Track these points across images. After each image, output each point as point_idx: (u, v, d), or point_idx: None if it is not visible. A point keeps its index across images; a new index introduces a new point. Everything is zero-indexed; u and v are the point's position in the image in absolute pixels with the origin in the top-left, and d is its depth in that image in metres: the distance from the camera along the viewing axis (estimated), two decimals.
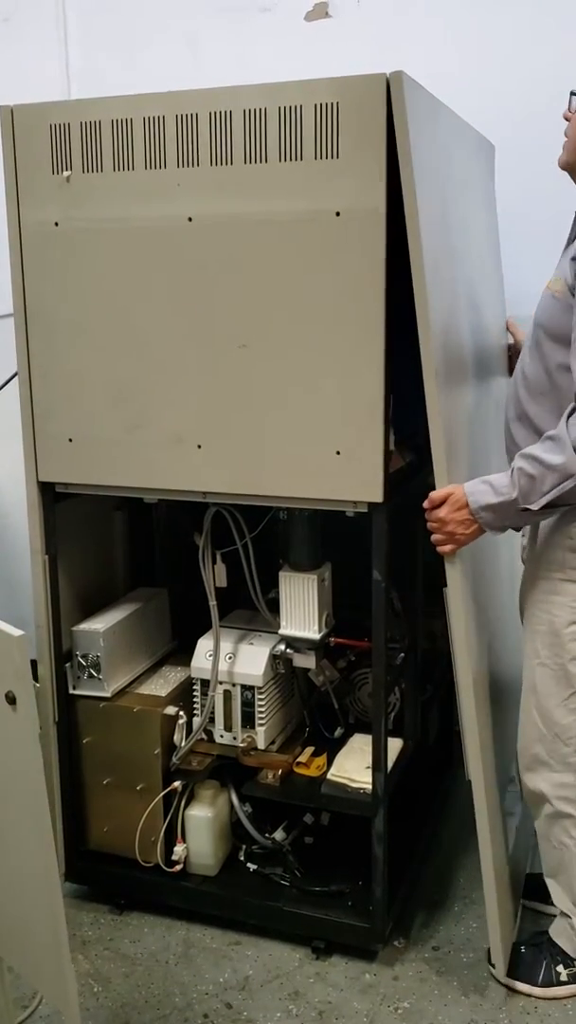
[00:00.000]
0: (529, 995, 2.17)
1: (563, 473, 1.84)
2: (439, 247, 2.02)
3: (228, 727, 2.37)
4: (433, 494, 1.99)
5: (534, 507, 1.88)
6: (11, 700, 1.50)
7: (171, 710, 2.36)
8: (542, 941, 2.24)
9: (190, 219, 2.00)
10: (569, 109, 2.08)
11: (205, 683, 2.36)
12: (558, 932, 2.22)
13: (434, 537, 2.01)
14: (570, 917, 2.18)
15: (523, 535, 2.20)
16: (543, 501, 1.87)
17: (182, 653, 2.57)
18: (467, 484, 1.96)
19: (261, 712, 2.33)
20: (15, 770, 1.58)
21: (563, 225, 2.16)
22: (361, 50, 3.02)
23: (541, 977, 2.18)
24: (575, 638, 2.05)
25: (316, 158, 1.89)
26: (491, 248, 2.71)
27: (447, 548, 2.00)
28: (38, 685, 1.61)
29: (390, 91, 1.79)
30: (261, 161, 1.92)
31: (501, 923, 2.16)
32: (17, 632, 1.49)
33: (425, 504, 2.01)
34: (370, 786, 2.19)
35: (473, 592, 2.18)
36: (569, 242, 2.08)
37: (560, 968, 2.19)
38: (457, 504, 1.96)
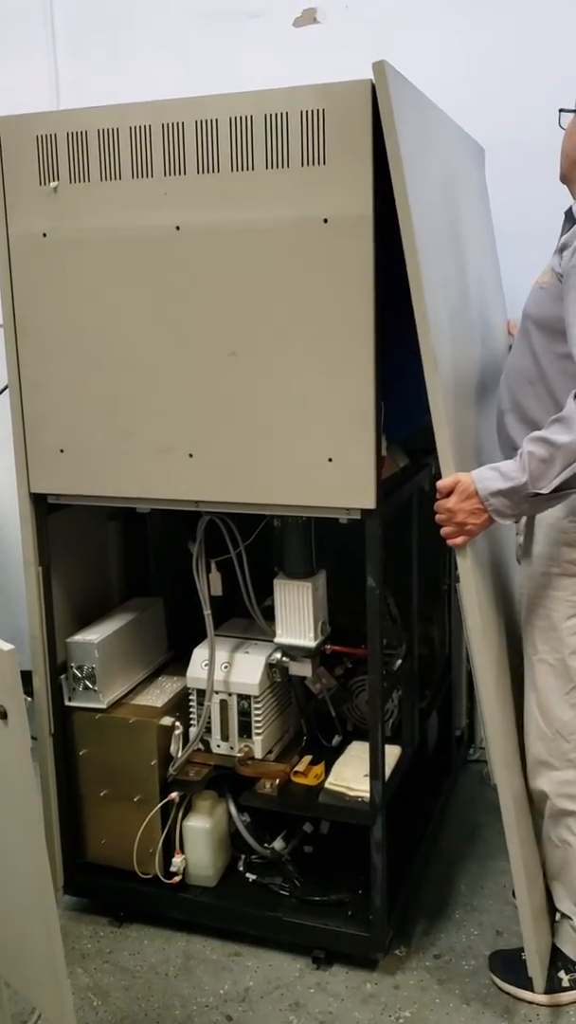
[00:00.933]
0: (533, 1003, 2.16)
1: (572, 452, 1.81)
2: (435, 241, 2.02)
3: (225, 737, 2.35)
4: (440, 483, 1.95)
5: (545, 490, 1.84)
6: (2, 714, 1.49)
7: (167, 720, 2.35)
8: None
9: (178, 228, 1.99)
10: (560, 125, 2.08)
11: (201, 693, 2.35)
12: (562, 939, 2.20)
13: (444, 530, 1.96)
14: (572, 919, 2.17)
15: (518, 533, 2.19)
16: (554, 483, 1.83)
17: (178, 663, 2.56)
18: (474, 472, 1.92)
19: (258, 721, 2.32)
20: (7, 784, 1.57)
21: (555, 230, 2.16)
22: (350, 55, 3.00)
23: (543, 985, 2.18)
24: (574, 632, 2.05)
25: (303, 165, 1.88)
26: (488, 245, 2.70)
27: (458, 540, 1.95)
28: (30, 700, 1.60)
29: (374, 85, 1.77)
30: (248, 169, 1.92)
31: (536, 936, 2.11)
32: (7, 646, 1.48)
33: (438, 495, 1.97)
34: (368, 794, 2.18)
35: (490, 587, 2.15)
36: (559, 244, 2.08)
37: (561, 974, 2.17)
38: (465, 492, 1.91)
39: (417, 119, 1.99)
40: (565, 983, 2.17)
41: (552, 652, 2.06)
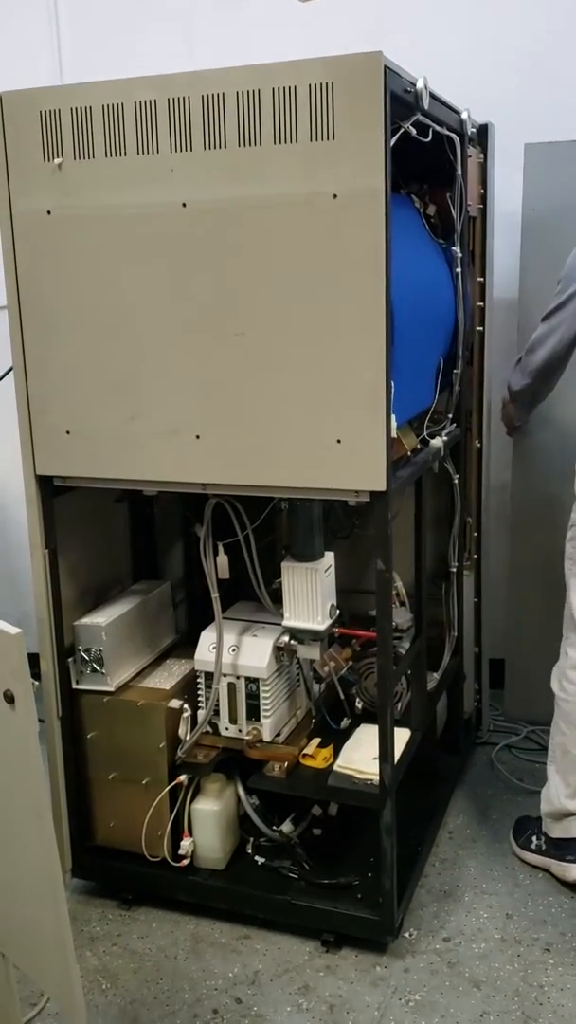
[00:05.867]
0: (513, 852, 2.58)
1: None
2: None
3: (233, 719, 2.34)
4: None
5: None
6: (9, 699, 1.48)
7: (175, 703, 2.34)
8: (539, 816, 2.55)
9: (184, 204, 1.96)
10: None
11: (209, 676, 2.33)
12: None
13: None
14: None
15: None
16: None
17: (186, 646, 2.55)
18: None
19: (266, 704, 2.30)
20: (15, 769, 1.55)
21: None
22: (359, 29, 2.98)
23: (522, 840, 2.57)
24: None
25: (311, 140, 1.84)
26: None
27: None
28: (37, 684, 1.58)
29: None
30: (255, 144, 1.88)
31: None
32: (14, 630, 1.46)
33: None
34: (377, 778, 2.17)
35: None
36: None
37: (534, 838, 2.54)
38: None
39: None
40: (533, 847, 2.53)
41: None
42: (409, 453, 2.24)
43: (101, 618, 2.38)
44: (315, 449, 1.98)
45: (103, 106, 1.97)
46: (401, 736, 2.34)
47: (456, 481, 2.68)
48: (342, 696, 2.47)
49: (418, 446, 2.31)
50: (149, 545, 2.75)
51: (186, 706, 2.35)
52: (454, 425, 2.57)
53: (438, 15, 2.91)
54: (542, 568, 3.00)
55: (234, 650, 2.32)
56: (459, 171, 2.36)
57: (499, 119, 2.75)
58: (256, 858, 2.41)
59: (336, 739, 2.39)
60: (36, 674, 1.79)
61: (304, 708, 2.49)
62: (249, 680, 2.30)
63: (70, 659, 2.36)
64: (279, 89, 1.84)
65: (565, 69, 2.91)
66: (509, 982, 2.17)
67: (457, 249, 2.43)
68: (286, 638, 2.29)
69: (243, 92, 1.87)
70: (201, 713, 2.36)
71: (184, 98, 1.91)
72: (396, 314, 1.93)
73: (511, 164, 2.82)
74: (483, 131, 2.72)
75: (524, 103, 2.88)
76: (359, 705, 2.51)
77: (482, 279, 2.80)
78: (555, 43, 2.91)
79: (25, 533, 2.27)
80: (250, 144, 1.89)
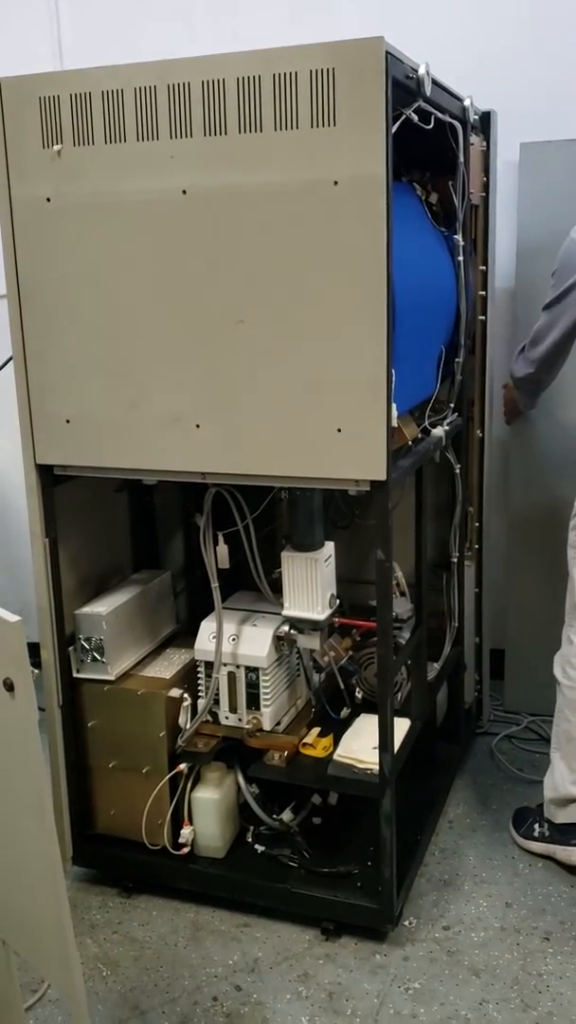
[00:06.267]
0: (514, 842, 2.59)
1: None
2: None
3: (233, 708, 2.34)
4: None
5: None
6: (9, 687, 1.48)
7: (175, 692, 2.34)
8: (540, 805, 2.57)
9: (184, 192, 1.95)
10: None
11: (209, 665, 2.33)
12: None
13: None
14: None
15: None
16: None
17: (187, 635, 2.55)
18: None
19: (266, 693, 2.30)
20: (15, 757, 1.55)
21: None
22: (361, 15, 2.96)
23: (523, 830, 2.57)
24: None
25: (312, 126, 1.83)
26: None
27: None
28: (37, 672, 1.58)
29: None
30: (256, 130, 1.87)
31: None
32: (13, 618, 1.46)
33: None
34: (377, 767, 2.17)
35: None
36: None
37: (536, 826, 2.54)
38: None
39: None
40: (536, 834, 2.54)
41: None
42: (410, 442, 2.23)
43: (102, 607, 2.38)
44: (315, 438, 1.98)
45: (103, 92, 1.96)
46: (401, 726, 2.34)
47: (457, 471, 2.67)
48: (342, 686, 2.47)
49: (419, 435, 2.30)
50: (149, 534, 2.75)
51: (186, 695, 2.35)
52: (455, 414, 2.56)
53: (438, 13, 2.91)
54: (543, 558, 3.00)
55: (234, 639, 2.32)
56: (461, 158, 2.35)
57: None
58: (256, 846, 2.42)
59: (336, 728, 2.39)
60: (37, 663, 1.79)
61: (304, 697, 2.49)
62: (249, 669, 2.30)
63: (71, 648, 2.36)
64: (280, 75, 1.83)
65: (563, 69, 2.90)
66: (508, 970, 2.17)
67: (459, 237, 2.42)
68: (286, 628, 2.29)
69: (243, 78, 1.86)
70: (201, 702, 2.36)
71: (184, 84, 1.90)
72: (397, 302, 1.92)
73: (508, 160, 2.82)
74: (485, 119, 2.71)
75: (520, 102, 2.86)
76: (359, 695, 2.51)
77: (484, 267, 2.79)
78: (552, 41, 2.90)
79: (25, 522, 2.27)
80: (250, 130, 1.88)
